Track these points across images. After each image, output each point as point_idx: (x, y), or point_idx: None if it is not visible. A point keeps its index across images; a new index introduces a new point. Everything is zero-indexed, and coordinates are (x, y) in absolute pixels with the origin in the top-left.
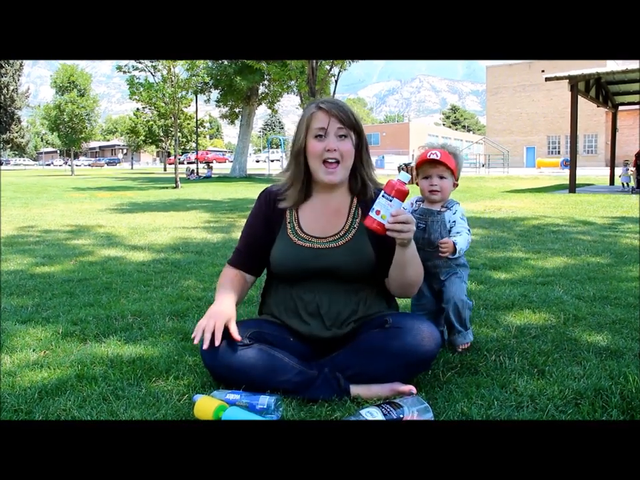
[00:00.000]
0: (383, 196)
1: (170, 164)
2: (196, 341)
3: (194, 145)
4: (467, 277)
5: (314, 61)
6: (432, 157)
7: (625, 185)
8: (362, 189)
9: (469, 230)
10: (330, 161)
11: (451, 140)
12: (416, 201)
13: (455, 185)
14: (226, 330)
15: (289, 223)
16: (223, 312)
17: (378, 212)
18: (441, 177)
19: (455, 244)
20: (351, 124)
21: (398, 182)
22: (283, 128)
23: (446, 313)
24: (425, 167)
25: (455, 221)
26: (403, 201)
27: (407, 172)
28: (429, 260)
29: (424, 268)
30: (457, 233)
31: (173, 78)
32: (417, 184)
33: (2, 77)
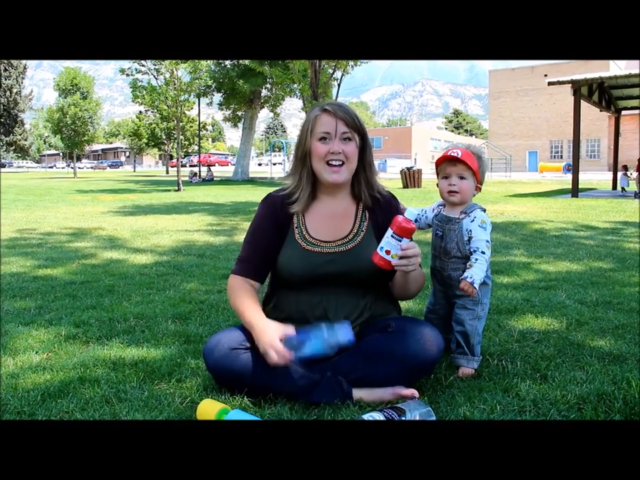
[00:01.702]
0: (392, 236)
1: (172, 167)
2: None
3: (196, 147)
4: (486, 296)
5: (317, 65)
6: (452, 154)
7: (623, 189)
8: (364, 193)
9: (488, 242)
10: (334, 163)
11: (453, 144)
12: (437, 205)
13: (478, 189)
14: (230, 333)
15: (296, 228)
16: (273, 339)
17: (388, 252)
18: (461, 178)
19: (472, 283)
20: (355, 126)
21: (404, 220)
22: (285, 131)
23: (454, 331)
24: (445, 165)
25: (471, 230)
26: (410, 238)
27: (410, 175)
28: (444, 270)
29: (440, 277)
30: (474, 252)
31: (176, 81)
32: (437, 185)
33: (5, 79)
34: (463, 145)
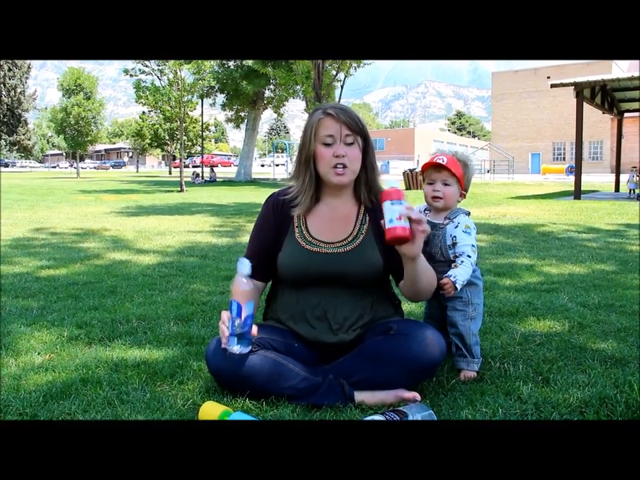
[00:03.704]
0: (392, 204)
1: (175, 167)
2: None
3: (199, 148)
4: (477, 296)
5: (320, 66)
6: (437, 160)
7: (632, 191)
8: (366, 195)
9: (473, 246)
10: (339, 166)
11: (456, 146)
12: (424, 209)
13: (462, 195)
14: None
15: (296, 227)
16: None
17: (400, 217)
18: (445, 184)
19: (454, 283)
20: (358, 129)
21: (394, 189)
22: (288, 132)
23: (450, 334)
24: (430, 171)
25: (455, 236)
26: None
27: (412, 177)
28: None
29: None
30: (460, 255)
31: (179, 82)
32: (423, 189)
33: (10, 79)
34: (450, 152)
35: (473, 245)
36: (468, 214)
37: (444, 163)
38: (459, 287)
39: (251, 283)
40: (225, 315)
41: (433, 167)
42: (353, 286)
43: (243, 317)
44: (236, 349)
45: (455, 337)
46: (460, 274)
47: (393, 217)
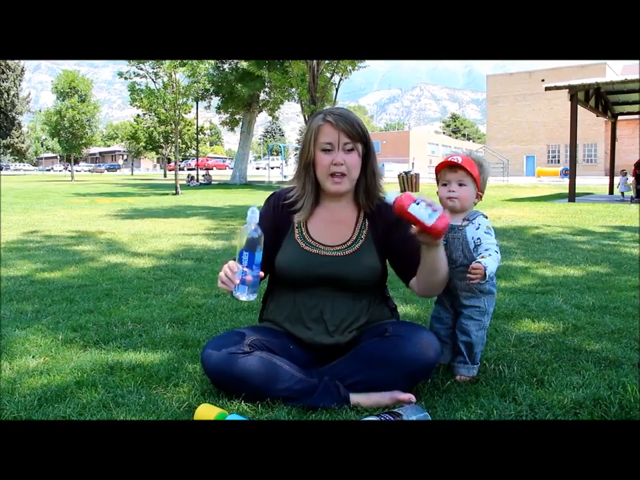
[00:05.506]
0: (418, 204)
1: (170, 170)
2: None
3: (194, 151)
4: (492, 305)
5: (315, 68)
6: (452, 160)
7: (623, 194)
8: (367, 200)
9: (497, 245)
10: (336, 174)
11: (451, 148)
12: None
13: (479, 197)
14: (228, 337)
15: (296, 228)
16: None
17: (434, 209)
18: (461, 184)
19: (485, 269)
20: (358, 136)
21: (405, 195)
22: (283, 135)
23: (457, 340)
24: (445, 171)
25: (479, 238)
26: None
27: (407, 180)
28: (449, 279)
29: (445, 288)
30: (486, 250)
31: (174, 84)
32: (437, 192)
33: (3, 82)
34: (464, 152)
35: (497, 244)
36: (485, 217)
37: (459, 162)
38: (487, 274)
39: (260, 230)
40: (232, 263)
41: (448, 167)
42: (350, 289)
43: (253, 266)
44: (244, 297)
45: (463, 344)
46: (490, 263)
47: (430, 212)
